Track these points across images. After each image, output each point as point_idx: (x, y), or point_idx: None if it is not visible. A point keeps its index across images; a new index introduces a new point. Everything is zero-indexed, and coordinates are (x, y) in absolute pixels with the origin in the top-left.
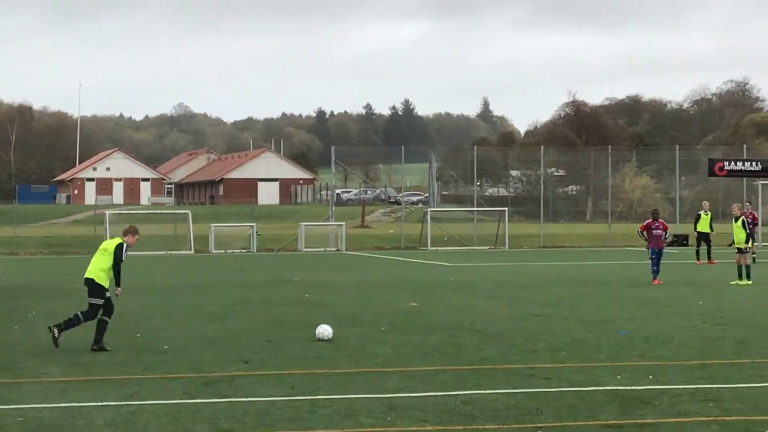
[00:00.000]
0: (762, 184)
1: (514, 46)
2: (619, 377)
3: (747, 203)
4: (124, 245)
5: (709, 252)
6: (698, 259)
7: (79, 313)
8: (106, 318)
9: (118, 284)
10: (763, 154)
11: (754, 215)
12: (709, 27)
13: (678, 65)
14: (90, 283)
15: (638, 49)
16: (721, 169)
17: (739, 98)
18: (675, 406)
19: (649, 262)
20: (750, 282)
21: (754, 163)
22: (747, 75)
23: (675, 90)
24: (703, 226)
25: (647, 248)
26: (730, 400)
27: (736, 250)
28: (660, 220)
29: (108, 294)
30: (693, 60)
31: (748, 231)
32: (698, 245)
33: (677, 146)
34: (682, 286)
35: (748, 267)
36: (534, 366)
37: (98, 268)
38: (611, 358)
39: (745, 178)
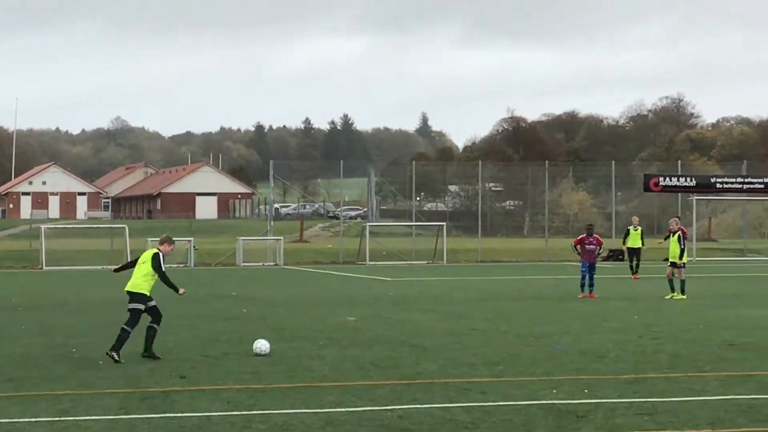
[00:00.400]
0: (696, 199)
1: (453, 62)
2: (555, 391)
3: (676, 218)
4: (160, 254)
5: (636, 266)
6: (635, 273)
7: (123, 326)
8: (154, 325)
9: (176, 290)
10: (697, 169)
11: (683, 230)
12: (646, 44)
13: (615, 82)
14: (130, 294)
15: (576, 65)
16: (657, 184)
17: (674, 114)
18: (610, 420)
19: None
20: (684, 296)
21: (688, 179)
22: (682, 91)
23: (612, 106)
24: (633, 241)
25: (581, 262)
26: (665, 413)
27: (669, 264)
28: (594, 235)
29: (153, 302)
30: (630, 77)
31: (682, 246)
32: (630, 260)
33: (613, 162)
34: (617, 301)
35: (683, 282)
36: (471, 380)
37: (137, 278)
38: (547, 373)
39: (679, 194)
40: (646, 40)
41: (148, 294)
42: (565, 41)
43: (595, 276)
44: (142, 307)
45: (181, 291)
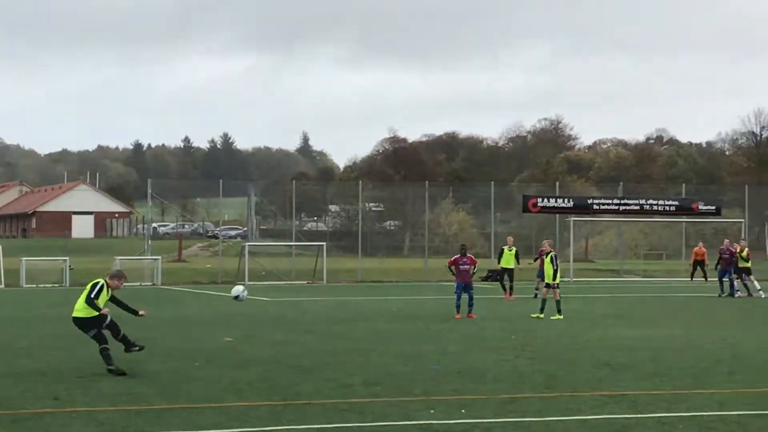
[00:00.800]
0: (574, 220)
1: (334, 82)
2: (432, 411)
3: (548, 240)
4: (102, 285)
5: (510, 288)
6: (509, 294)
7: (99, 348)
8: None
9: (134, 312)
10: (575, 191)
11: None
12: (526, 67)
13: (495, 103)
14: (75, 321)
15: (457, 87)
16: (535, 205)
17: (552, 136)
18: None
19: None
20: (561, 317)
21: (566, 200)
22: (560, 113)
23: (492, 128)
24: (506, 261)
25: (455, 283)
26: None
27: (545, 285)
28: (468, 255)
29: (107, 318)
30: (509, 99)
31: (555, 267)
32: (501, 280)
33: (492, 183)
34: (495, 321)
35: (558, 302)
36: (348, 401)
37: (80, 304)
38: (425, 392)
39: (557, 215)
40: (526, 63)
41: (96, 315)
42: (447, 62)
43: (474, 296)
44: (95, 330)
45: (142, 313)
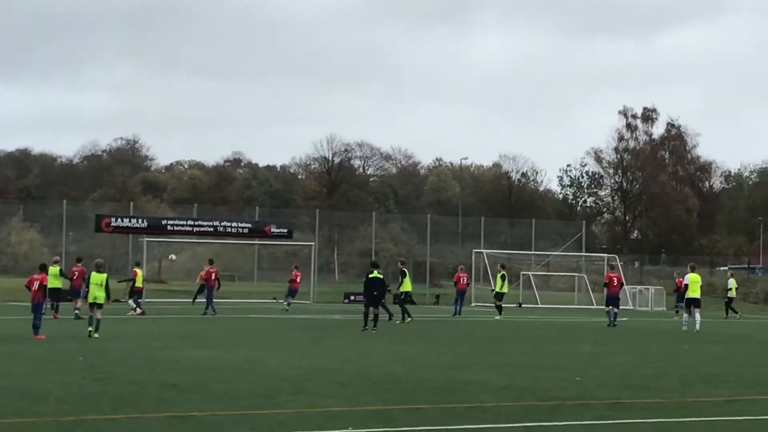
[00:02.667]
0: (147, 241)
1: None
2: None
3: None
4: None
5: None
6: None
7: None
8: None
9: None
10: (149, 211)
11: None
12: (106, 86)
13: (72, 122)
14: None
15: (33, 103)
16: (108, 225)
17: (128, 156)
18: None
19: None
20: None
21: (140, 220)
22: (137, 133)
23: (66, 145)
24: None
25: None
26: None
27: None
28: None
29: None
30: (87, 117)
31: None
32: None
33: (65, 201)
34: (65, 342)
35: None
36: None
37: None
38: None
39: (131, 235)
40: (106, 82)
41: None
42: (26, 77)
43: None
44: None
45: None
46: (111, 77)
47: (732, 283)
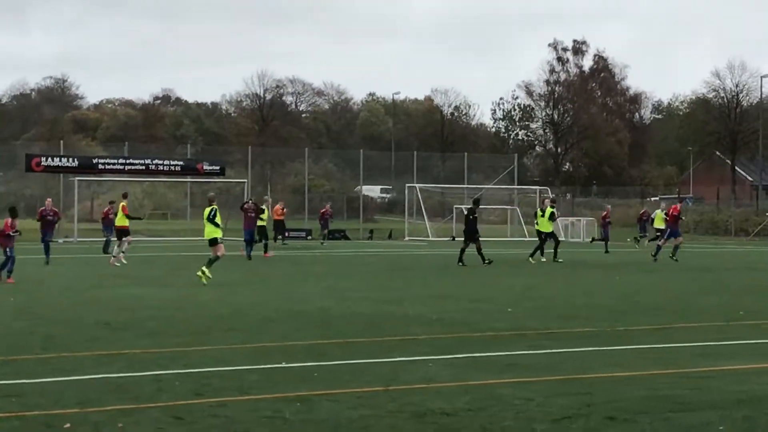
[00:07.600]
0: (78, 180)
1: None
2: None
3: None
4: None
5: None
6: None
7: None
8: None
9: None
10: (80, 150)
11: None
12: (44, 26)
13: (16, 65)
14: None
15: None
16: (39, 164)
17: (58, 95)
18: None
19: None
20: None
21: (71, 159)
22: (66, 72)
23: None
24: None
25: None
26: (33, 395)
27: None
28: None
29: None
30: (13, 57)
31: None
32: None
33: None
34: None
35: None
36: None
37: None
38: None
39: (62, 174)
40: (44, 21)
41: None
42: None
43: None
44: None
45: None
46: (44, 17)
47: (658, 213)
